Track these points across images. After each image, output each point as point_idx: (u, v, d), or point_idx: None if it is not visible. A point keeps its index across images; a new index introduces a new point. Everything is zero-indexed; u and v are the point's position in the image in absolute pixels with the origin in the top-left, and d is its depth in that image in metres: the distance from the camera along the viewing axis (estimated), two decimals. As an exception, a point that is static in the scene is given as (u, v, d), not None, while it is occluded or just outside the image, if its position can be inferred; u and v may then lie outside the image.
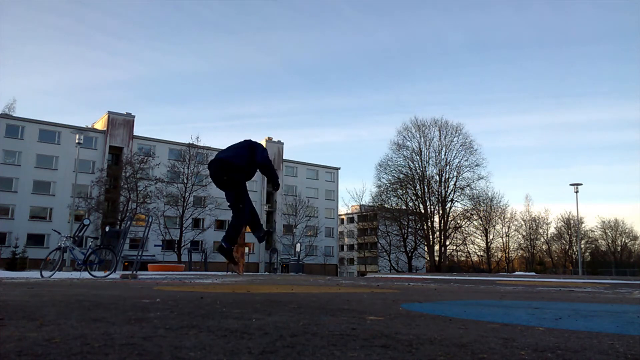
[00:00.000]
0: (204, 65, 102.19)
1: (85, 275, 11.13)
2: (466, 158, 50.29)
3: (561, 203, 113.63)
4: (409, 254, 52.29)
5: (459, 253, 57.28)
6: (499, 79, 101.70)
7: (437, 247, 50.75)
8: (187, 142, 50.90)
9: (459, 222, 51.12)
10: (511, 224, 65.58)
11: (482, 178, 49.92)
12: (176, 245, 46.99)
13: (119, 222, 42.80)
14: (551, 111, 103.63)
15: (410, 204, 51.33)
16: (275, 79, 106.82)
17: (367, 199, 60.86)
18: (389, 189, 51.75)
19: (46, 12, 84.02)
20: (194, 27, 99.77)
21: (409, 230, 51.93)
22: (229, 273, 22.74)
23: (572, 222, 67.02)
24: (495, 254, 64.31)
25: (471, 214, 51.64)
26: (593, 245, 73.50)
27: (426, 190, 50.55)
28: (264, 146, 5.20)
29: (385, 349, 1.28)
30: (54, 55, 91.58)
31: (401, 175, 51.39)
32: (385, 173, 51.74)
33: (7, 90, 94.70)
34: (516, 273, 39.20)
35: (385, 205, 52.38)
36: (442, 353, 1.25)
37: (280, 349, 1.24)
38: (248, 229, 5.51)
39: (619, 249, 74.96)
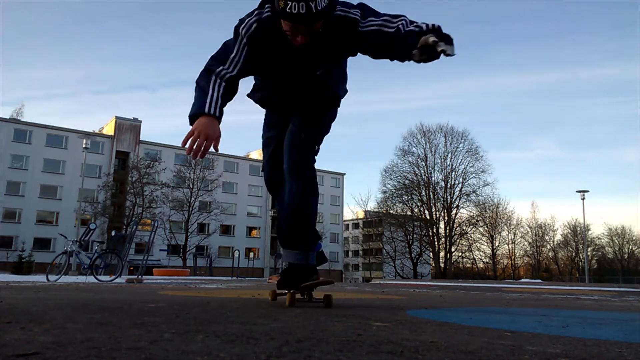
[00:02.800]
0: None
1: (91, 279, 11.17)
2: (472, 164, 50.33)
3: (567, 210, 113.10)
4: (414, 260, 52.14)
5: (465, 260, 57.09)
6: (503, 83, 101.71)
7: (442, 254, 50.58)
8: (193, 147, 51.11)
9: (464, 228, 51.01)
10: (517, 231, 65.41)
11: (487, 184, 49.93)
12: (181, 250, 47.09)
13: (124, 227, 42.98)
14: (558, 115, 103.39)
15: (416, 210, 51.29)
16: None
17: (372, 205, 60.85)
18: (394, 194, 51.76)
19: (54, 14, 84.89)
20: (199, 28, 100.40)
21: (414, 236, 51.84)
22: (233, 278, 22.72)
23: (578, 229, 66.68)
24: (501, 260, 64.04)
25: (477, 221, 51.47)
26: (600, 253, 73.05)
27: (432, 196, 50.51)
28: None
29: (391, 355, 1.28)
30: (61, 59, 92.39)
31: (406, 181, 51.40)
32: (391, 179, 51.80)
33: (15, 94, 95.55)
34: (522, 280, 38.98)
35: (391, 211, 52.33)
36: (449, 359, 1.25)
37: (286, 354, 1.24)
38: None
39: (626, 256, 74.41)
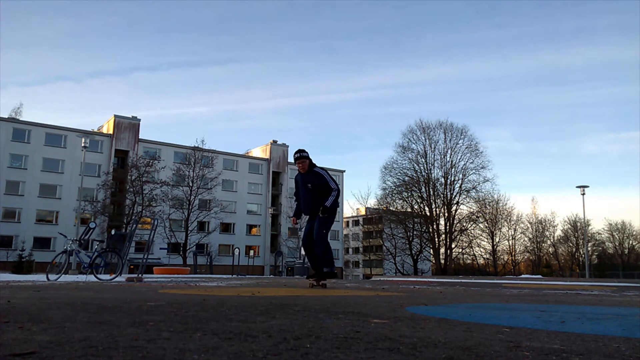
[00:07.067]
0: (207, 66, 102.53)
1: (91, 278, 11.17)
2: (471, 160, 50.15)
3: (567, 205, 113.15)
4: (415, 257, 52.13)
5: (465, 256, 57.11)
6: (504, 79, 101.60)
7: (442, 250, 50.54)
8: (192, 145, 51.12)
9: (464, 224, 50.89)
10: (517, 227, 65.25)
11: (487, 180, 49.70)
12: (182, 248, 47.08)
13: (124, 225, 42.96)
14: (557, 109, 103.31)
15: (416, 207, 51.20)
16: (278, 79, 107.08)
17: (372, 202, 60.81)
18: (394, 191, 51.66)
19: (52, 14, 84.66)
20: (194, 28, 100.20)
21: (415, 233, 51.76)
22: (234, 276, 22.76)
23: (578, 224, 66.65)
24: (502, 256, 64.00)
25: (477, 217, 51.40)
26: (600, 248, 73.01)
27: (431, 192, 50.40)
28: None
29: (389, 351, 1.28)
30: (59, 58, 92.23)
31: (406, 178, 51.27)
32: (391, 175, 51.67)
33: (13, 93, 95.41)
34: (522, 276, 39.00)
35: (391, 208, 52.27)
36: (446, 356, 1.25)
37: (284, 351, 1.24)
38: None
39: (626, 251, 74.44)
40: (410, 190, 51.11)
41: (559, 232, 71.30)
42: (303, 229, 6.83)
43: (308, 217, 6.72)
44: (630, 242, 75.17)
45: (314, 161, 6.64)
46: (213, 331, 1.59)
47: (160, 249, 40.95)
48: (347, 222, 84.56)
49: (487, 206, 52.88)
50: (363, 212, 75.04)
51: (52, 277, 10.71)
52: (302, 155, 6.48)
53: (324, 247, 6.40)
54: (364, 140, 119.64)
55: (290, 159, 66.64)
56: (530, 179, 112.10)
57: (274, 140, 67.21)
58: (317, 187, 6.45)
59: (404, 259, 54.78)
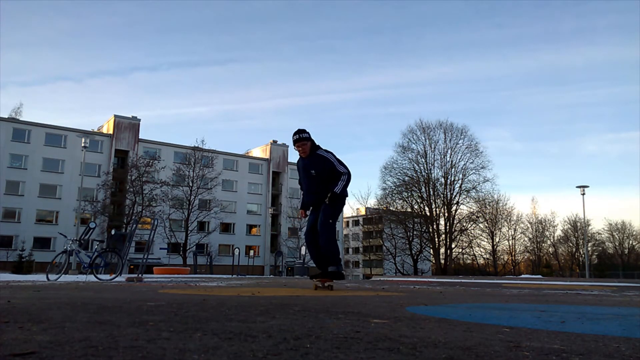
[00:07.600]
0: (207, 66, 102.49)
1: (91, 278, 11.17)
2: (471, 160, 50.10)
3: (567, 205, 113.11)
4: (415, 257, 52.10)
5: (465, 256, 57.09)
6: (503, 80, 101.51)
7: (442, 250, 50.52)
8: (192, 145, 51.11)
9: (464, 224, 50.86)
10: (517, 227, 65.18)
11: (487, 180, 49.66)
12: (182, 248, 47.06)
13: (124, 226, 42.95)
14: (557, 109, 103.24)
15: (416, 207, 51.17)
16: (278, 79, 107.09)
17: (372, 202, 60.80)
18: (394, 191, 51.63)
19: (52, 14, 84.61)
20: (194, 28, 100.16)
21: (415, 233, 51.73)
22: (234, 276, 22.76)
23: (578, 224, 66.59)
24: (502, 256, 63.94)
25: (477, 217, 51.37)
26: (600, 248, 72.97)
27: (431, 192, 50.37)
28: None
29: (389, 351, 1.28)
30: (59, 58, 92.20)
31: (406, 178, 51.24)
32: (391, 175, 51.64)
33: (13, 93, 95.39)
34: (522, 276, 38.98)
35: (391, 208, 52.25)
36: (446, 356, 1.25)
37: (284, 351, 1.24)
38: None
39: (626, 251, 74.40)
40: (410, 190, 51.08)
41: (559, 232, 71.30)
42: (305, 225, 5.90)
43: (311, 208, 5.78)
44: (630, 242, 75.16)
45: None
46: (213, 331, 1.59)
47: (160, 249, 40.95)
48: (347, 222, 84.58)
49: (487, 206, 52.88)
50: (363, 212, 75.06)
51: (52, 277, 10.70)
52: (301, 137, 5.45)
53: (329, 238, 5.45)
54: (364, 140, 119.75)
55: (291, 159, 66.68)
56: (530, 179, 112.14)
57: (274, 140, 67.18)
58: (322, 174, 5.49)
59: (404, 259, 54.76)
